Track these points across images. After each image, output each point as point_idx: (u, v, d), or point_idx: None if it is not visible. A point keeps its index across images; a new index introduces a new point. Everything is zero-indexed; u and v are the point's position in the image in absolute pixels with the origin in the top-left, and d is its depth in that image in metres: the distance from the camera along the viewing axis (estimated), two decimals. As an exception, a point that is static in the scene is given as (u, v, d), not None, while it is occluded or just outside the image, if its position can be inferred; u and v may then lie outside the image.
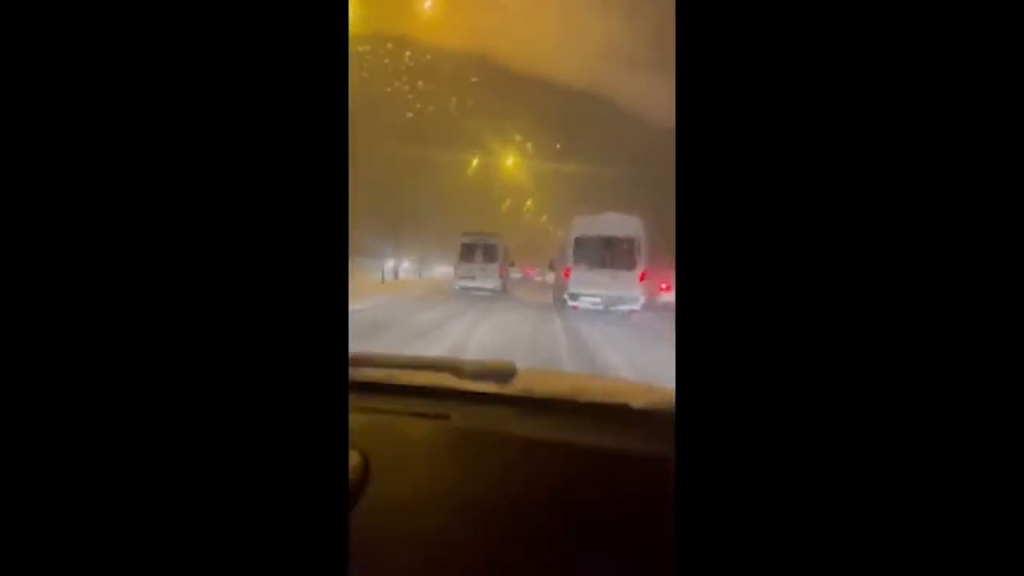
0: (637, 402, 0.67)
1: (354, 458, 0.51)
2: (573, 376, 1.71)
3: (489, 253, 9.53)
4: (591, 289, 7.31)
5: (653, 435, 0.58)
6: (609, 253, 7.35)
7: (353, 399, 0.52)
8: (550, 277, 10.76)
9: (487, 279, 9.41)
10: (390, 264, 13.72)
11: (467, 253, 9.55)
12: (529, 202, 34.38)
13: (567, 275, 7.60)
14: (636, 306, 6.99)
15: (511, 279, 11.46)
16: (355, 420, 0.52)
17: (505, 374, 0.75)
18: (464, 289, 9.39)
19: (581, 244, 7.54)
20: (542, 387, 0.75)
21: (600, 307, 7.31)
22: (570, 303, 7.50)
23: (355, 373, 0.74)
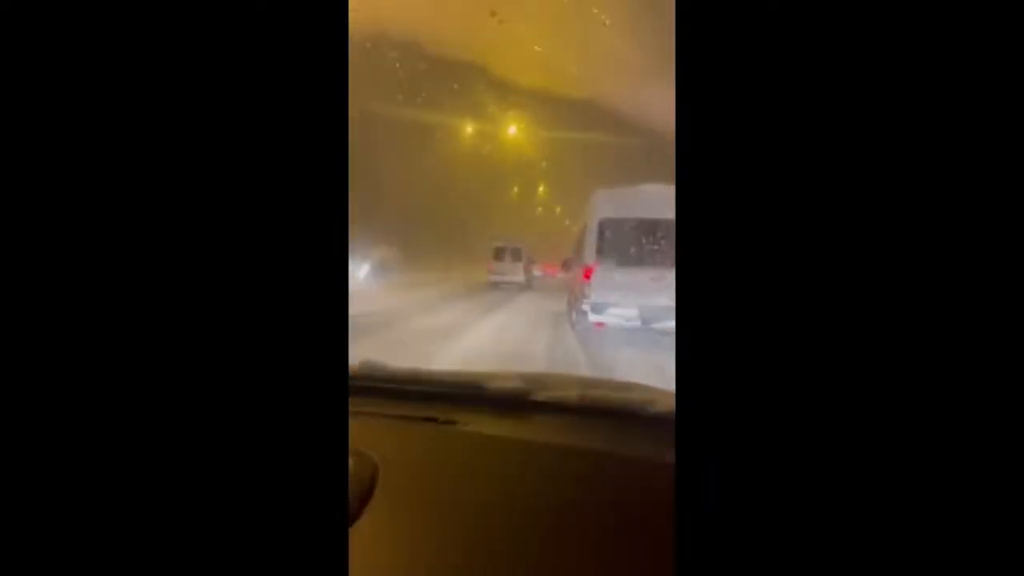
0: (653, 407, 0.74)
1: (364, 464, 0.57)
2: (580, 378, 1.38)
3: (515, 255, 13.51)
4: (623, 296, 5.02)
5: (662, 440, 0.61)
6: (650, 243, 5.09)
7: (362, 403, 0.77)
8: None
9: (514, 275, 13.26)
10: None
11: (498, 255, 13.53)
12: (541, 188, 32.05)
13: (588, 277, 5.26)
14: None
15: (534, 276, 15.26)
16: (363, 425, 0.69)
17: (522, 396, 0.83)
18: (496, 283, 13.17)
19: (608, 231, 5.25)
20: (550, 391, 0.83)
21: (636, 323, 5.02)
22: (592, 317, 5.24)
23: (365, 380, 0.88)
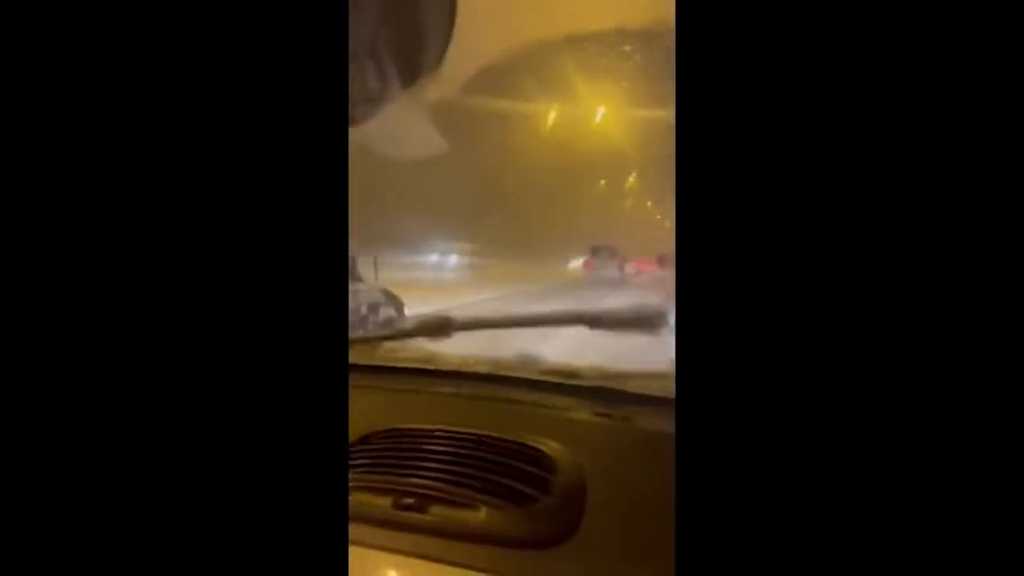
0: None
1: (572, 469, 0.59)
2: None
3: (611, 253, 16.09)
4: None
5: None
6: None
7: (521, 395, 0.84)
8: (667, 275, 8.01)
9: (609, 272, 15.55)
10: None
11: (595, 253, 16.06)
12: (632, 178, 30.82)
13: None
14: None
15: (627, 273, 17.28)
16: (539, 420, 0.76)
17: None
18: (593, 279, 15.27)
19: None
20: None
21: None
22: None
23: (522, 371, 0.93)
